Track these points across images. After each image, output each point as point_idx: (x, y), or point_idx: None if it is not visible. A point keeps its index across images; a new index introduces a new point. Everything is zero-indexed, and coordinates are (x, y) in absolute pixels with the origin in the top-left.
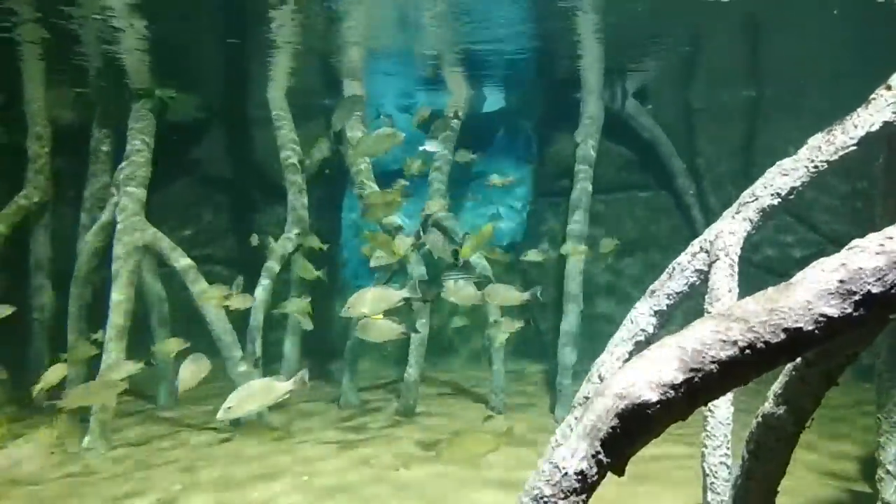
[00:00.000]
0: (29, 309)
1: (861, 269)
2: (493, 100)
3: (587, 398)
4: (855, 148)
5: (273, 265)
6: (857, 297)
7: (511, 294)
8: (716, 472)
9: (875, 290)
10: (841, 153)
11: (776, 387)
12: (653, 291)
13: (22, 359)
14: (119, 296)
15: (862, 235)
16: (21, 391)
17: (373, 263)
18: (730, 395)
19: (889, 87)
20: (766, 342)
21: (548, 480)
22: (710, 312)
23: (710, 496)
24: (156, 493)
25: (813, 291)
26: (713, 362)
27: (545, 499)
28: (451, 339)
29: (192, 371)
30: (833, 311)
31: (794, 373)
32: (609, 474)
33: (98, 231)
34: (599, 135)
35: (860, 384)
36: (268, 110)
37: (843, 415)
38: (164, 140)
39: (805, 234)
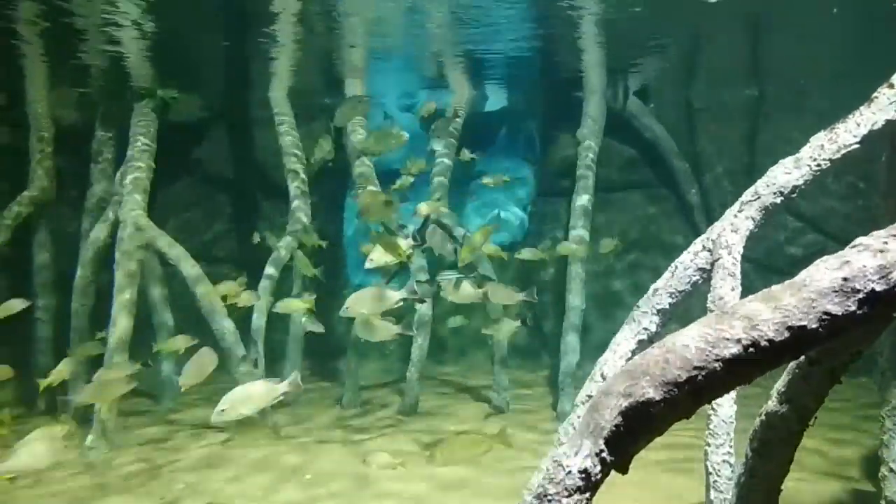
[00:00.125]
0: (32, 309)
1: (865, 266)
2: (496, 99)
3: (590, 397)
4: (857, 146)
5: (276, 264)
6: (860, 295)
7: (508, 294)
8: (719, 470)
9: (879, 287)
10: (843, 152)
11: (779, 385)
12: (655, 290)
13: (24, 359)
14: (122, 296)
15: (865, 234)
16: (24, 391)
17: (367, 265)
18: (733, 394)
19: (892, 86)
20: (769, 340)
21: (551, 479)
22: (712, 311)
23: (713, 494)
24: (159, 492)
25: (816, 289)
26: (717, 360)
27: (549, 497)
28: (455, 338)
29: (199, 365)
30: (837, 309)
31: (797, 371)
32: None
33: (101, 231)
34: (601, 134)
35: (862, 381)
36: (270, 110)
37: (845, 412)
38: (166, 140)
39: (807, 232)
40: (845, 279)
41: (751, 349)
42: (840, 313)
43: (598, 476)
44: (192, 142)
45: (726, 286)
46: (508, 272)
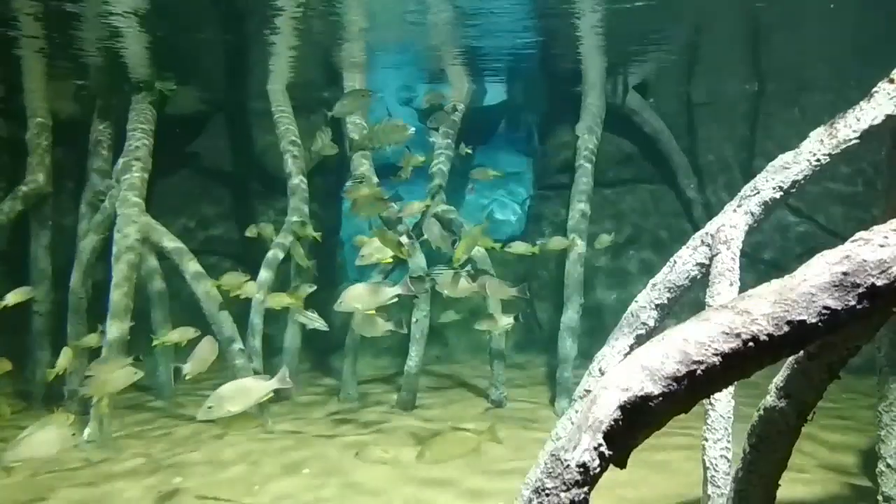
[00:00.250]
0: (29, 301)
1: (865, 261)
2: (495, 93)
3: (588, 391)
4: (857, 141)
5: (273, 257)
6: (860, 290)
7: (501, 288)
8: (716, 465)
9: (879, 282)
10: (843, 146)
11: (778, 380)
12: (654, 285)
13: (22, 351)
14: (119, 288)
15: (864, 228)
16: (22, 384)
17: (357, 262)
18: (731, 389)
19: (892, 81)
20: (769, 335)
21: (550, 473)
22: (711, 306)
23: (710, 489)
24: (156, 486)
25: (816, 284)
26: (716, 355)
27: (547, 491)
28: (453, 332)
29: (203, 354)
30: (836, 304)
31: (795, 366)
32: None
33: (98, 224)
34: (601, 128)
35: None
36: (268, 102)
37: (843, 407)
38: (164, 132)
39: (807, 228)
40: (845, 274)
41: (750, 343)
42: (840, 308)
43: (597, 470)
44: (191, 134)
45: (725, 281)
46: (510, 267)
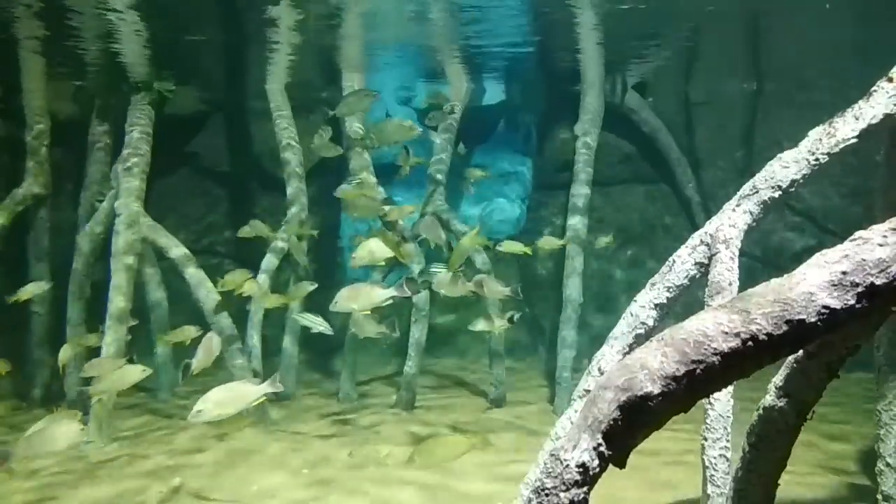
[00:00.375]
0: (28, 302)
1: (864, 260)
2: (493, 92)
3: (587, 391)
4: (856, 140)
5: (273, 257)
6: (860, 289)
7: (496, 288)
8: (716, 464)
9: (878, 281)
10: (842, 146)
11: (777, 379)
12: (653, 284)
13: (21, 352)
14: (118, 289)
15: (864, 228)
16: (20, 384)
17: (350, 263)
18: (730, 388)
19: (890, 79)
20: (768, 334)
21: (549, 473)
22: (710, 305)
23: (710, 489)
24: (155, 485)
25: (816, 283)
26: (715, 354)
27: (547, 491)
28: (452, 331)
29: (207, 350)
30: (836, 303)
31: (795, 365)
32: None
33: (97, 224)
34: (599, 128)
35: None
36: (267, 102)
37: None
38: (163, 132)
39: (805, 227)
40: (844, 273)
41: (749, 343)
42: (839, 307)
43: (597, 470)
44: (190, 134)
45: (724, 280)
46: (511, 268)
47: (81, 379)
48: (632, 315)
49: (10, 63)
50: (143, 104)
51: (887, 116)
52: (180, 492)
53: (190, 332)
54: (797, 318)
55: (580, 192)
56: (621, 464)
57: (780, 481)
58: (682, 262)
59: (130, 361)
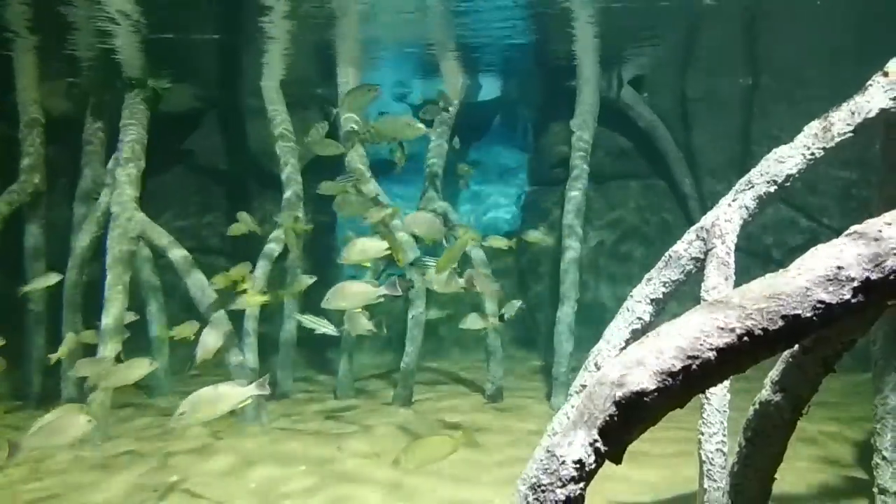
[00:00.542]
0: (24, 300)
1: (860, 255)
2: (490, 88)
3: (584, 387)
4: (851, 135)
5: (270, 254)
6: (855, 284)
7: (487, 284)
8: (712, 459)
9: (873, 276)
10: (837, 140)
11: (773, 374)
12: (649, 279)
13: (17, 350)
14: (114, 287)
15: (859, 222)
16: (17, 382)
17: (340, 260)
18: (726, 383)
19: (886, 74)
20: (763, 329)
21: (545, 469)
22: (706, 300)
23: (706, 483)
24: (151, 483)
25: (811, 278)
26: (711, 350)
27: (543, 487)
28: (449, 328)
29: (209, 340)
30: (831, 298)
31: (791, 360)
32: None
33: (92, 222)
34: (595, 123)
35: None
36: (262, 99)
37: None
38: (158, 130)
39: (801, 222)
40: (840, 268)
41: (745, 338)
42: (834, 302)
43: (593, 466)
44: (185, 132)
45: (720, 275)
46: (512, 264)
47: (78, 377)
48: (628, 310)
49: (2, 60)
50: (138, 101)
51: (883, 111)
52: (176, 490)
53: (193, 326)
54: (793, 313)
55: (576, 187)
56: (617, 460)
57: (776, 475)
58: (679, 257)
59: (119, 360)
